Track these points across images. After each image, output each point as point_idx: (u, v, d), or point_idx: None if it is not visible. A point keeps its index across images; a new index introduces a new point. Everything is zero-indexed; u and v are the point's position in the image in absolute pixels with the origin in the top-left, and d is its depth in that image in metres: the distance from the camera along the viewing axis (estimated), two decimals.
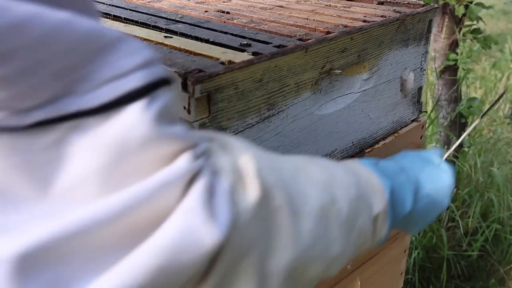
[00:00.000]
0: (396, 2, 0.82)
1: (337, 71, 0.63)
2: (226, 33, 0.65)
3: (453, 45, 1.72)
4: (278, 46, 0.58)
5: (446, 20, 1.68)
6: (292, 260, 0.36)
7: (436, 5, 0.78)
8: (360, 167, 0.49)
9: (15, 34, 0.24)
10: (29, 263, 0.25)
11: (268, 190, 0.35)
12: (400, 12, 0.75)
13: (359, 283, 0.88)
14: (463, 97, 1.82)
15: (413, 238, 1.57)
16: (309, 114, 0.62)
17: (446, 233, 1.61)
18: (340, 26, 0.67)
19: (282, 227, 0.35)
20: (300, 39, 0.61)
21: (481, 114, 0.70)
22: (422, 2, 0.79)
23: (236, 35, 0.64)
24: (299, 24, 0.68)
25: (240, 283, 0.33)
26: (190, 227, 0.29)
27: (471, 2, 1.59)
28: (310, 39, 0.60)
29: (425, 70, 0.83)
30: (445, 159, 0.58)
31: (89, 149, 0.27)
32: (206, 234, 0.29)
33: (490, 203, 1.73)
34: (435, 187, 0.54)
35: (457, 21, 1.65)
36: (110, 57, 0.28)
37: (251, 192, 0.33)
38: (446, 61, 1.71)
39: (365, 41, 0.66)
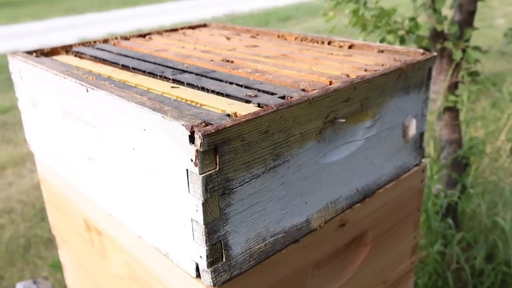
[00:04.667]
0: (395, 51, 0.84)
1: (341, 120, 0.64)
2: (231, 83, 0.66)
3: (452, 87, 1.75)
4: (283, 97, 0.59)
5: (444, 63, 1.72)
6: None
7: (435, 53, 0.80)
8: None
9: None
10: None
11: None
12: (400, 61, 0.77)
13: None
14: (464, 138, 1.83)
15: (419, 281, 1.55)
16: (314, 163, 0.63)
17: (452, 275, 1.58)
18: (343, 75, 0.69)
19: None
20: (303, 90, 0.62)
21: None
22: (421, 51, 0.81)
23: (241, 86, 0.65)
24: (302, 73, 0.70)
25: None
26: None
27: (468, 46, 1.62)
28: (314, 89, 0.61)
29: (426, 116, 0.85)
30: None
31: None
32: None
33: (496, 245, 1.71)
34: None
35: (456, 64, 1.68)
36: None
37: None
38: (446, 103, 1.73)
39: (367, 90, 0.67)
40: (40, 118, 0.86)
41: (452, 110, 1.77)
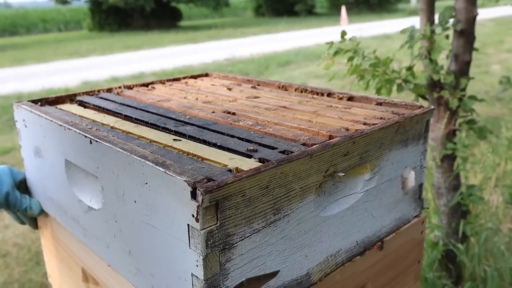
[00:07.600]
0: (394, 103, 0.86)
1: (340, 174, 0.65)
2: (233, 136, 0.68)
3: (450, 135, 1.77)
4: (284, 152, 0.60)
5: (442, 110, 1.74)
6: None
7: (432, 107, 0.82)
8: None
9: None
10: None
11: None
12: (398, 114, 0.78)
13: None
14: (462, 185, 1.84)
15: None
16: (314, 216, 0.63)
17: None
18: (342, 129, 0.70)
19: None
20: (304, 144, 0.63)
21: None
22: (418, 104, 0.83)
23: (242, 139, 0.66)
24: (302, 127, 0.71)
25: None
26: None
27: (464, 95, 1.65)
28: (314, 143, 0.63)
29: (425, 167, 0.85)
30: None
31: None
32: None
33: None
34: None
35: (452, 112, 1.71)
36: None
37: None
38: (444, 150, 1.75)
39: (366, 144, 0.69)
40: (42, 166, 0.86)
41: (450, 157, 1.78)
